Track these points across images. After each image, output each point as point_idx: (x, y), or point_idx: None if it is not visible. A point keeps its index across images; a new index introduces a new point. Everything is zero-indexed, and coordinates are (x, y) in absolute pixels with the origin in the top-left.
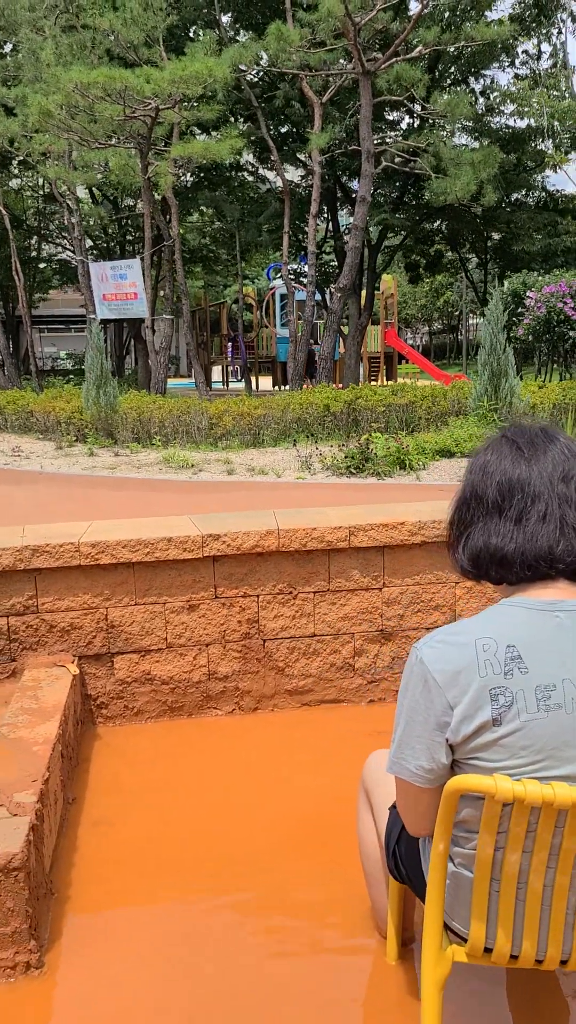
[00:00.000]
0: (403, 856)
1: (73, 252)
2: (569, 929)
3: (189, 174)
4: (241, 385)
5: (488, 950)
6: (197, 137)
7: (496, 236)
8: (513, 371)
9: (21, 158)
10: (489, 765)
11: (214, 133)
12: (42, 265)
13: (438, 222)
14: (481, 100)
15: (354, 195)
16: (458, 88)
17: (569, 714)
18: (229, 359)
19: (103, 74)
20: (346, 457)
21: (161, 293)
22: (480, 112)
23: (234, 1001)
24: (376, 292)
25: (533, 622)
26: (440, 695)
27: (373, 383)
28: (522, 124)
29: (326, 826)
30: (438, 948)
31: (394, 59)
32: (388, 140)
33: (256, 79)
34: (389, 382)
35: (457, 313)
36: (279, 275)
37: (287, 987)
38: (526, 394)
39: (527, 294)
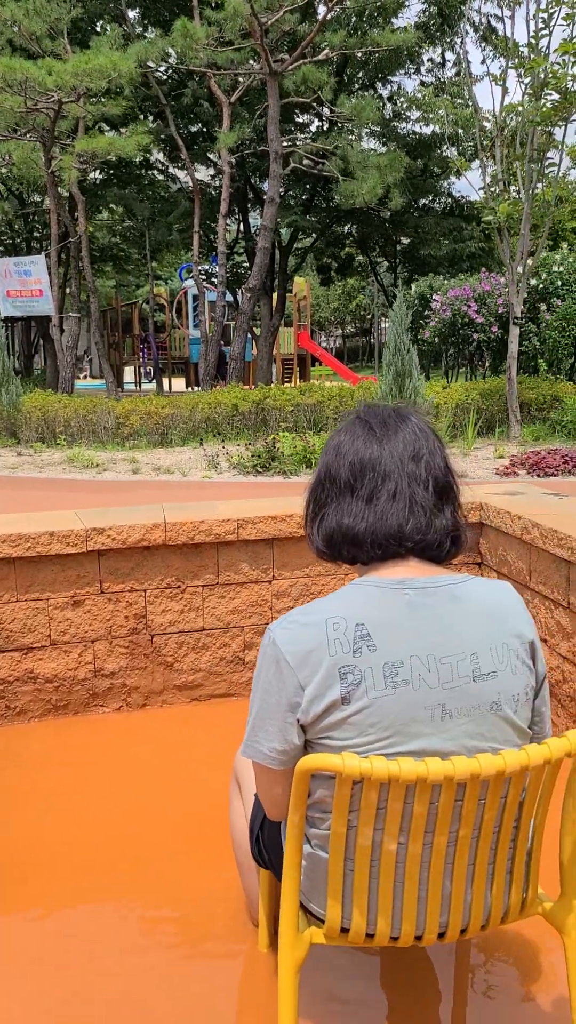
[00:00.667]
0: (265, 842)
1: None
2: (423, 905)
3: (98, 171)
4: (153, 386)
5: (345, 930)
6: (106, 133)
7: (405, 240)
8: (417, 371)
9: None
10: (339, 743)
11: (123, 130)
12: None
13: (348, 225)
14: (389, 105)
15: (265, 196)
16: (366, 93)
17: (416, 690)
18: (141, 360)
19: (2, 64)
20: (253, 456)
21: (67, 291)
22: (388, 117)
23: (100, 995)
24: (288, 294)
25: (383, 600)
26: (292, 676)
27: (287, 384)
28: (428, 131)
29: (218, 820)
30: (294, 931)
31: (301, 61)
32: (297, 142)
33: (165, 76)
34: (302, 383)
35: (369, 316)
36: (191, 275)
37: (160, 980)
38: (430, 394)
39: (433, 297)
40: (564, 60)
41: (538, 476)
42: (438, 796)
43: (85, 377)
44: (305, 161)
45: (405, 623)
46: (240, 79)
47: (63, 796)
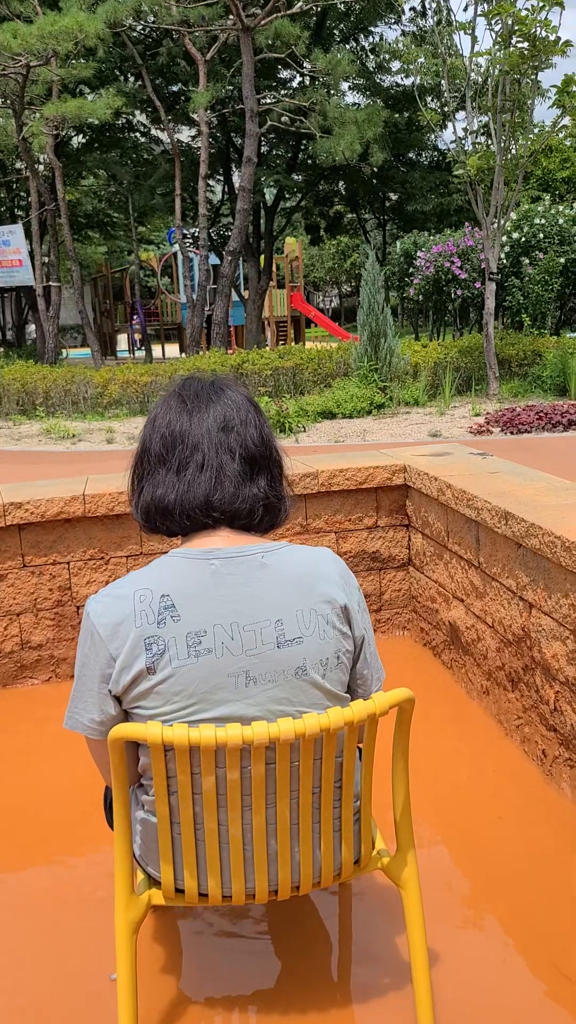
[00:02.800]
0: (107, 806)
1: None
2: (250, 865)
3: (81, 135)
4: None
5: (180, 891)
6: (87, 96)
7: (393, 196)
8: (391, 331)
9: None
10: (147, 712)
11: (101, 92)
12: None
13: (336, 183)
14: (372, 57)
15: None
16: (346, 45)
17: (219, 658)
18: (131, 327)
19: None
20: None
21: (45, 260)
22: (371, 70)
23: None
24: (278, 255)
25: (189, 571)
26: (103, 647)
27: (280, 347)
28: (410, 82)
29: None
30: (127, 893)
31: (275, 15)
32: (275, 99)
33: (140, 36)
34: (282, 347)
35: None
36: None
37: (33, 929)
38: (406, 352)
39: (417, 254)
40: (532, 6)
41: (511, 434)
42: (248, 760)
43: (78, 347)
44: (284, 119)
45: (210, 592)
46: (218, 36)
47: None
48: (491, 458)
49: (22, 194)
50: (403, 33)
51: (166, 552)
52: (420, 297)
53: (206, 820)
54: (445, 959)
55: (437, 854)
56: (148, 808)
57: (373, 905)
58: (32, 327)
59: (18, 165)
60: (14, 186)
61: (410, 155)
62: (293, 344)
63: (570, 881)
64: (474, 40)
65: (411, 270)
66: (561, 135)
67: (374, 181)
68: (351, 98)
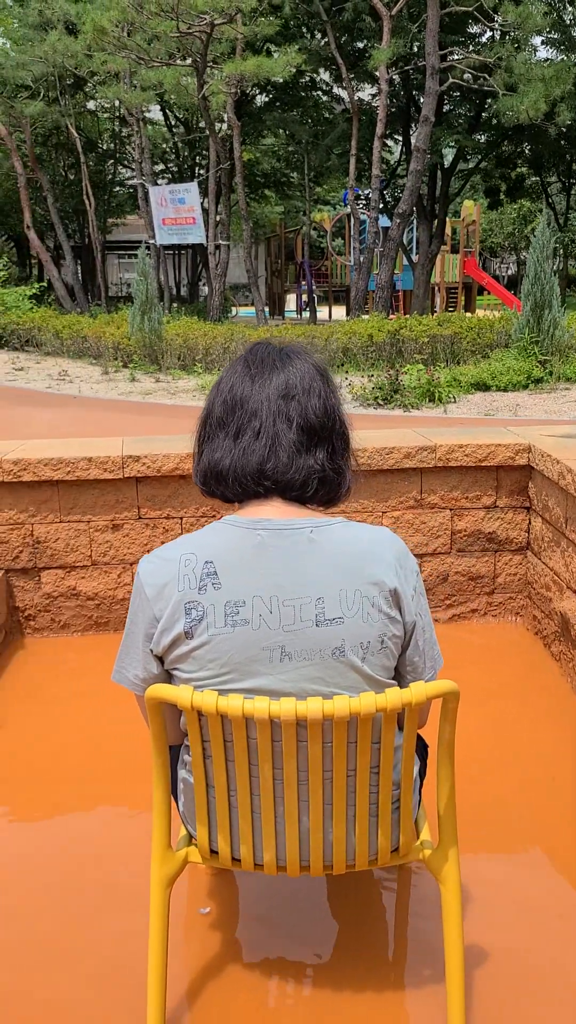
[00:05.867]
0: None
1: (141, 175)
2: (282, 839)
3: (264, 94)
4: (319, 314)
5: (215, 852)
6: (272, 54)
7: None
8: (557, 302)
9: (101, 79)
10: (184, 676)
11: (286, 48)
12: (117, 190)
13: (520, 144)
14: (570, 9)
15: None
16: None
17: (256, 630)
18: (299, 288)
19: None
20: (375, 388)
21: (217, 219)
22: (567, 23)
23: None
24: (456, 219)
25: (235, 539)
26: (148, 607)
27: (441, 314)
28: None
29: None
30: (163, 848)
31: None
32: (456, 56)
33: None
34: (467, 314)
35: None
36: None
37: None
38: (572, 326)
39: None
40: None
41: None
42: (280, 735)
43: (246, 305)
44: (466, 76)
45: (252, 563)
46: None
47: (95, 705)
48: None
49: (204, 152)
50: None
51: None
52: None
53: (239, 788)
54: (515, 956)
55: (517, 850)
56: (188, 768)
57: (430, 891)
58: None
59: (201, 124)
60: (196, 145)
61: None
62: (463, 311)
63: None
64: None
65: None
66: None
67: (562, 142)
68: (543, 53)
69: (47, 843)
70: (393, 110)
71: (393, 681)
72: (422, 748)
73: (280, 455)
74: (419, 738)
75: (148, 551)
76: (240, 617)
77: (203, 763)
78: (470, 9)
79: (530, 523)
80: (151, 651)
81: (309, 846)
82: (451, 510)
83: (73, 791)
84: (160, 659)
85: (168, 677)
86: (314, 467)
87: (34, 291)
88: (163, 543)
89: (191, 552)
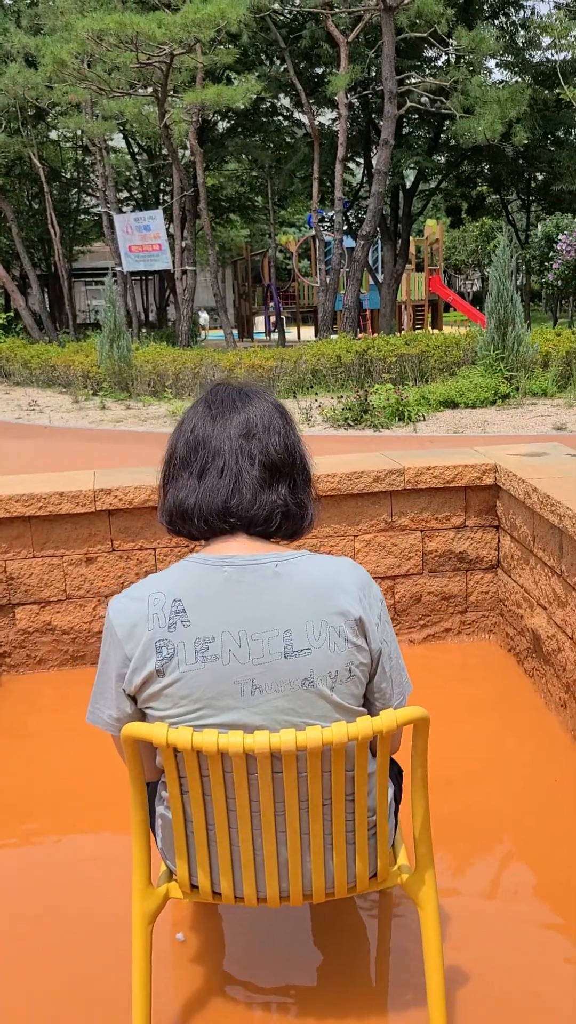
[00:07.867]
0: None
1: (105, 204)
2: (261, 870)
3: (225, 120)
4: (287, 336)
5: (195, 887)
6: (232, 81)
7: (539, 176)
8: (520, 319)
9: (62, 110)
10: (158, 714)
11: (246, 76)
12: (82, 217)
13: (479, 164)
14: (522, 33)
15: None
16: (495, 21)
17: (226, 665)
18: (267, 310)
19: (115, 20)
20: (344, 409)
21: (182, 244)
22: (520, 46)
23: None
24: (417, 237)
25: (202, 576)
26: (120, 648)
27: (407, 334)
28: (561, 58)
29: None
30: (143, 883)
31: None
32: (413, 80)
33: (284, 19)
34: (407, 333)
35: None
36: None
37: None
38: (536, 341)
39: (559, 237)
40: None
41: None
42: (255, 768)
43: (216, 328)
44: (423, 99)
45: (220, 599)
46: (361, 16)
47: (71, 740)
48: None
49: (168, 179)
50: (556, 6)
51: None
52: (560, 283)
53: (217, 822)
54: (499, 971)
55: (489, 862)
56: (166, 804)
57: (411, 915)
58: (169, 309)
59: (164, 151)
60: (160, 172)
61: (559, 133)
62: (431, 328)
63: None
64: None
65: (551, 254)
66: None
67: (519, 161)
68: (498, 75)
69: (25, 878)
70: (353, 133)
71: (364, 709)
72: (396, 772)
73: (244, 492)
74: (393, 762)
75: (123, 583)
76: (210, 653)
77: (180, 798)
78: (424, 35)
79: (499, 542)
80: (124, 691)
81: (288, 876)
82: (422, 531)
83: (52, 826)
84: (133, 698)
85: (142, 716)
86: (277, 502)
87: (1, 321)
88: (137, 575)
89: (159, 591)
